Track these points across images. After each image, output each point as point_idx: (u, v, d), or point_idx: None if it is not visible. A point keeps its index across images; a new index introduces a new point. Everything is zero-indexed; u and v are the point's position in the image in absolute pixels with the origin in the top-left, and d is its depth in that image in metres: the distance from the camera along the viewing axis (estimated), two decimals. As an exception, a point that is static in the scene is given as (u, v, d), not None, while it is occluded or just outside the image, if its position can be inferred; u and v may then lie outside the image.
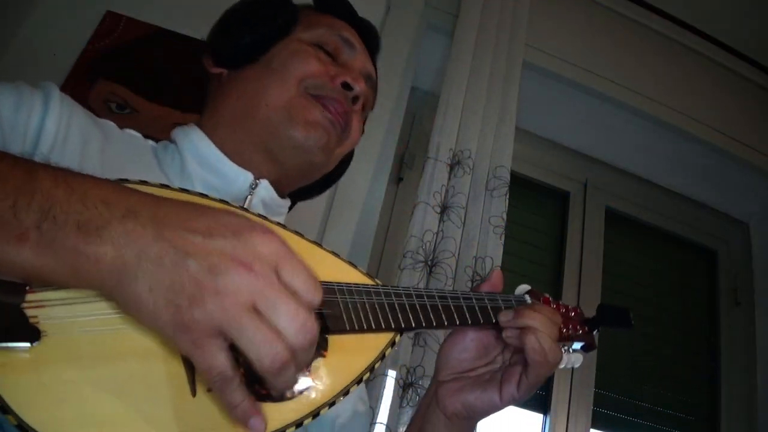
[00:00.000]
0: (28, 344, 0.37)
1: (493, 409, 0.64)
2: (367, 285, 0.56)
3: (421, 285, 1.26)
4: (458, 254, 1.32)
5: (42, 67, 1.27)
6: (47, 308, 0.38)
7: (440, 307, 0.60)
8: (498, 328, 0.65)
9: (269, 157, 0.70)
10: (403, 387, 1.19)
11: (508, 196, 1.42)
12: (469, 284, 1.31)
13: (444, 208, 1.36)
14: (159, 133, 1.26)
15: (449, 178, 1.39)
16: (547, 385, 1.61)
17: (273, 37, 0.74)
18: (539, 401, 1.61)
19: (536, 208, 1.87)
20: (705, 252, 2.06)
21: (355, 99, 0.74)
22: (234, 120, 0.71)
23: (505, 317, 0.64)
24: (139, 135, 0.72)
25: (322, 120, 0.70)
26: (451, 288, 1.28)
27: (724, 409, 1.81)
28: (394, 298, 0.56)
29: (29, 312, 0.38)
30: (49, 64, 1.27)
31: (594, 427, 1.61)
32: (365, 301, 0.54)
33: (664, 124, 1.82)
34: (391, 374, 1.19)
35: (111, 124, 0.68)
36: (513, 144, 1.49)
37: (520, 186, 1.79)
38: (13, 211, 0.36)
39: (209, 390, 0.41)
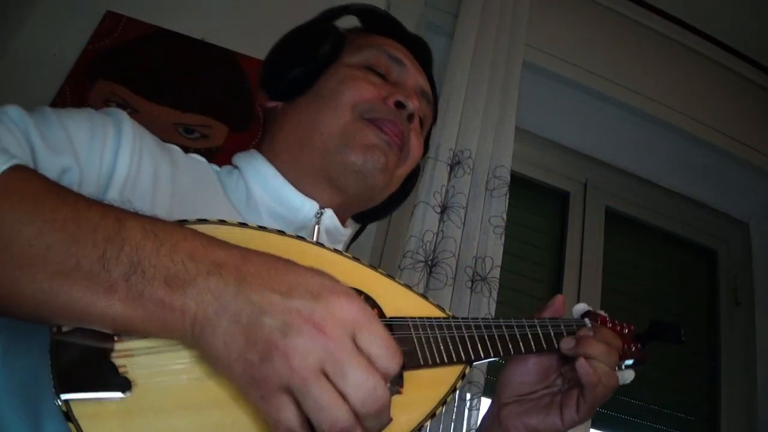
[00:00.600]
0: (120, 394, 0.38)
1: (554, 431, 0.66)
2: (439, 318, 0.57)
3: (421, 285, 1.26)
4: (458, 254, 1.32)
5: (42, 67, 1.27)
6: (135, 357, 0.39)
7: (507, 337, 0.62)
8: (560, 353, 0.67)
9: (331, 185, 0.70)
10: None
11: (508, 196, 1.42)
12: (470, 284, 1.31)
13: (444, 208, 1.36)
14: (159, 133, 1.27)
15: (449, 178, 1.39)
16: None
17: (321, 66, 0.73)
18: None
19: (536, 208, 1.87)
20: (705, 252, 2.06)
21: (410, 117, 0.73)
22: (292, 151, 0.71)
23: (566, 345, 0.66)
24: (203, 160, 0.73)
25: (379, 142, 0.69)
26: (451, 289, 1.28)
27: (724, 409, 1.81)
28: (464, 331, 0.58)
29: (118, 361, 0.39)
30: (49, 64, 1.27)
31: (594, 427, 1.61)
32: (437, 335, 0.55)
33: (664, 124, 1.82)
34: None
35: (177, 149, 0.68)
36: (513, 144, 1.49)
37: (520, 186, 1.79)
38: (103, 262, 0.37)
39: None
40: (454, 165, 1.41)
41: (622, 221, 1.96)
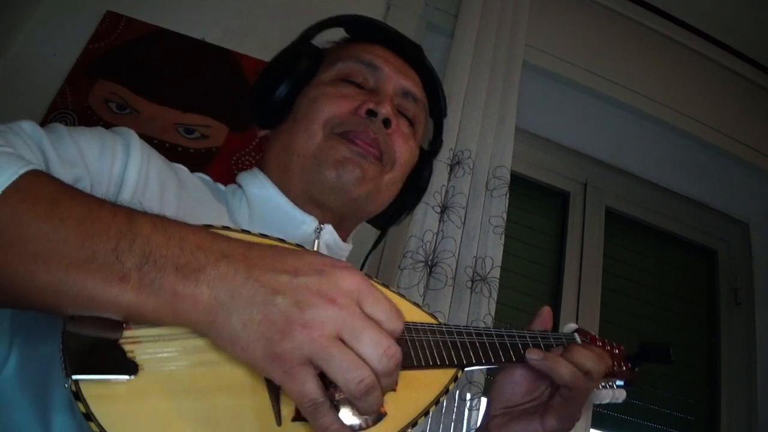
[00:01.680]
0: (126, 377, 0.39)
1: None
2: (432, 324, 0.60)
3: (421, 285, 1.26)
4: (458, 254, 1.32)
5: (42, 67, 1.27)
6: (143, 344, 0.41)
7: (497, 345, 0.65)
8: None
9: (317, 205, 0.71)
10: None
11: (508, 196, 1.42)
12: (470, 284, 1.31)
13: (444, 208, 1.36)
14: (159, 133, 1.27)
15: (449, 178, 1.39)
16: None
17: (296, 89, 0.75)
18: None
19: (536, 208, 1.87)
20: (705, 252, 2.06)
21: (386, 122, 0.71)
22: (280, 175, 0.72)
23: (533, 355, 0.67)
24: (209, 179, 0.75)
25: (351, 155, 0.69)
26: (451, 289, 1.28)
27: (724, 409, 1.81)
28: (456, 337, 0.61)
29: (126, 347, 0.41)
30: (49, 64, 1.27)
31: (594, 427, 1.61)
32: (430, 339, 0.58)
33: (664, 124, 1.82)
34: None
35: (183, 169, 0.70)
36: (513, 144, 1.49)
37: (520, 186, 1.79)
38: (116, 253, 0.39)
39: (294, 419, 0.44)
40: (454, 165, 1.41)
41: (622, 221, 1.96)
